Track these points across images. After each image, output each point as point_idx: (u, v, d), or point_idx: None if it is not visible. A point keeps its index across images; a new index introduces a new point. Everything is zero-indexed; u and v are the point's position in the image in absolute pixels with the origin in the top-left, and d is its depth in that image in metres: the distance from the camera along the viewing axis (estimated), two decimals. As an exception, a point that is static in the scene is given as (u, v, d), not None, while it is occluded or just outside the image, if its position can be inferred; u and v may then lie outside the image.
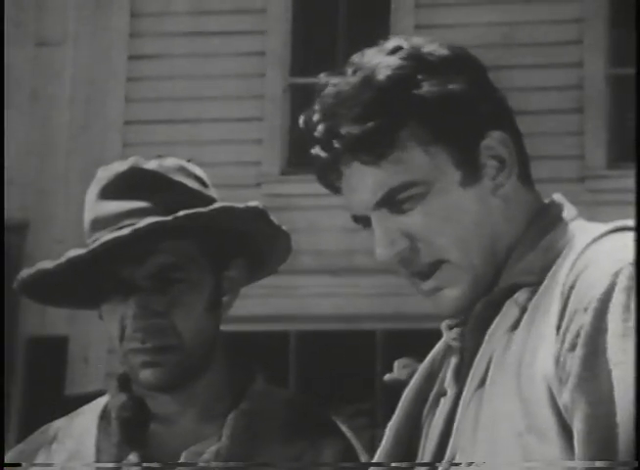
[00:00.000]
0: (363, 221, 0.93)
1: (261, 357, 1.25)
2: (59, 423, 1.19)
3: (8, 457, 1.18)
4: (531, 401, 0.83)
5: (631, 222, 0.88)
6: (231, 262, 1.15)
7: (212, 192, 1.16)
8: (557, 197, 0.96)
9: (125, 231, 1.07)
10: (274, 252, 1.17)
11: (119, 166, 1.13)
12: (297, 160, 6.03)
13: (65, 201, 5.88)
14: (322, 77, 0.93)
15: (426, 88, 0.89)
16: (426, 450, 0.93)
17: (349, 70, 0.92)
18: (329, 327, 5.92)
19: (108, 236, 1.07)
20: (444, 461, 0.88)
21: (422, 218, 0.90)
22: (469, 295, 0.91)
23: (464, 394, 0.89)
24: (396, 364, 3.78)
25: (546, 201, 0.96)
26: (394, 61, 0.91)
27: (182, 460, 1.10)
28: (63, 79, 6.11)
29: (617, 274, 0.83)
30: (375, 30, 5.97)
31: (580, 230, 0.91)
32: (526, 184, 0.94)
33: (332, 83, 0.92)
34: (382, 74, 0.90)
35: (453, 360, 0.95)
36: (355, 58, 0.93)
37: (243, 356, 1.19)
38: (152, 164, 1.13)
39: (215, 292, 1.13)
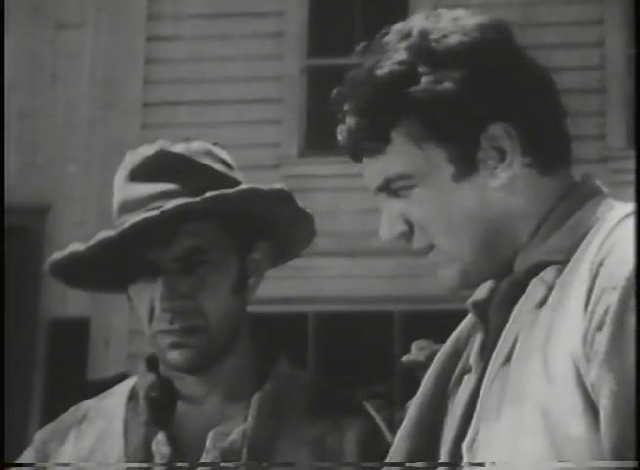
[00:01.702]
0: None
1: (280, 339, 1.26)
2: (88, 403, 1.20)
3: (40, 436, 1.19)
4: (558, 380, 0.83)
5: None
6: (256, 245, 1.16)
7: (238, 175, 1.17)
8: (585, 177, 0.96)
9: (154, 212, 1.08)
10: (298, 234, 1.18)
11: (147, 150, 1.14)
12: (315, 141, 6.02)
13: (85, 183, 5.91)
14: (357, 51, 0.95)
15: (423, 85, 0.89)
16: (449, 426, 0.94)
17: (374, 47, 0.93)
18: (347, 309, 5.93)
19: (137, 217, 1.08)
20: (467, 439, 0.89)
21: (415, 206, 0.92)
22: (461, 277, 0.93)
23: (489, 370, 0.89)
24: (414, 346, 3.79)
25: (576, 180, 0.95)
26: (398, 52, 0.91)
27: (209, 440, 1.12)
28: (82, 62, 6.12)
29: None
30: (393, 10, 5.93)
31: (608, 209, 0.91)
32: (545, 172, 0.93)
33: (358, 61, 0.93)
34: (381, 69, 0.91)
35: (478, 338, 0.96)
36: (384, 33, 0.94)
37: (266, 338, 1.20)
38: (179, 148, 1.14)
39: (241, 274, 1.14)
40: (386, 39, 0.93)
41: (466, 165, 0.91)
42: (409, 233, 0.93)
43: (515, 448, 0.84)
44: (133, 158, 1.14)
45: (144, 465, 1.11)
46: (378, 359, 5.76)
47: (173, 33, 6.22)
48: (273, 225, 1.16)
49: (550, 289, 0.88)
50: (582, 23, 5.97)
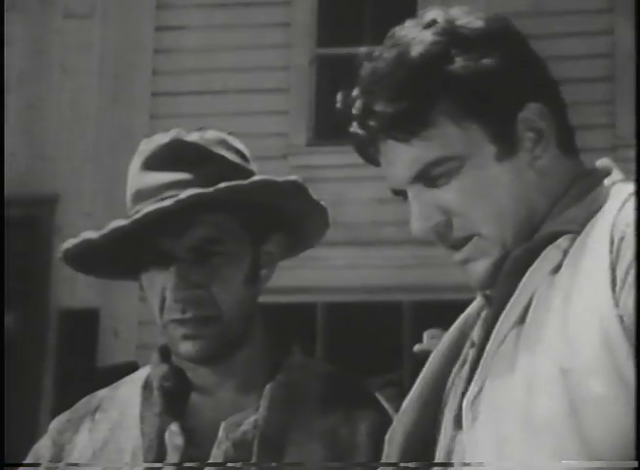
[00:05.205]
0: (402, 194, 0.95)
1: (288, 329, 1.25)
2: (102, 393, 1.20)
3: (55, 425, 1.19)
4: (580, 340, 0.83)
5: None
6: (269, 236, 1.15)
7: (252, 166, 1.17)
8: (605, 161, 0.97)
9: (168, 202, 1.07)
10: (311, 226, 1.18)
11: (162, 138, 1.14)
12: (323, 131, 6.00)
13: (94, 173, 5.92)
14: (363, 50, 0.94)
15: (458, 64, 0.90)
16: (450, 395, 0.93)
17: (388, 44, 0.93)
18: (356, 298, 5.94)
19: (150, 207, 1.08)
20: (469, 395, 0.87)
21: (457, 193, 0.91)
22: (497, 268, 0.92)
23: (497, 328, 0.89)
24: (425, 335, 3.79)
25: (595, 164, 0.96)
26: (428, 36, 0.91)
27: (222, 430, 1.11)
28: (91, 52, 6.13)
29: None
30: (401, 0, 5.91)
31: (621, 188, 0.92)
32: (569, 154, 0.95)
33: (371, 58, 0.93)
34: (414, 51, 0.91)
35: (483, 314, 0.96)
36: (396, 30, 0.94)
37: (279, 329, 1.20)
38: (193, 137, 1.14)
39: (254, 265, 1.14)
40: (403, 32, 0.93)
41: (506, 145, 0.91)
42: (444, 224, 0.92)
43: (528, 403, 0.83)
44: (147, 146, 1.14)
45: (144, 465, 1.10)
46: (386, 349, 5.76)
47: (182, 23, 6.21)
48: (287, 217, 1.16)
49: (565, 254, 0.88)
50: (592, 12, 5.93)
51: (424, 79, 0.90)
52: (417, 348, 3.85)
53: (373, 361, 5.55)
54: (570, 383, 0.82)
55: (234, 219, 1.12)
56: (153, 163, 1.12)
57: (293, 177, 1.13)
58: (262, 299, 1.19)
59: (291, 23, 6.21)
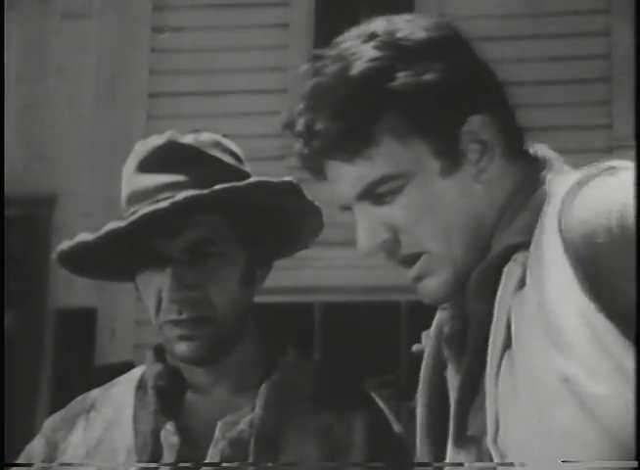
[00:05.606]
0: (349, 210, 0.94)
1: (285, 329, 1.26)
2: (96, 392, 1.21)
3: (48, 424, 1.19)
4: (572, 345, 0.82)
5: (617, 163, 0.89)
6: (265, 237, 1.16)
7: (247, 167, 1.17)
8: (544, 151, 0.94)
9: (163, 204, 1.08)
10: (306, 226, 1.18)
11: (156, 140, 1.14)
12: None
13: (91, 173, 5.92)
14: (305, 65, 0.93)
15: (400, 80, 0.88)
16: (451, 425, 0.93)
17: (331, 56, 0.91)
18: (354, 299, 5.94)
19: (146, 208, 1.09)
20: (489, 434, 0.87)
21: (402, 210, 0.90)
22: (450, 283, 0.91)
23: (489, 360, 0.88)
24: (424, 336, 3.80)
25: (530, 155, 0.94)
26: (368, 51, 0.89)
27: (218, 430, 1.12)
28: (88, 52, 6.13)
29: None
30: (398, 1, 5.92)
31: (558, 183, 0.90)
32: (518, 159, 0.93)
33: (314, 71, 0.91)
34: (355, 69, 0.89)
35: (448, 329, 0.96)
36: (338, 41, 0.92)
37: (274, 328, 1.20)
38: (188, 139, 1.14)
39: (249, 266, 1.15)
40: (346, 44, 0.91)
41: (450, 159, 0.90)
42: (392, 242, 0.91)
43: (544, 421, 0.83)
44: (142, 148, 1.14)
45: (143, 465, 1.11)
46: (384, 349, 5.77)
47: (179, 24, 6.22)
48: (282, 217, 1.16)
49: (524, 268, 0.87)
50: (589, 12, 5.94)
51: (364, 98, 0.88)
52: (415, 348, 3.85)
53: (370, 362, 5.55)
54: (574, 389, 0.82)
55: (229, 220, 1.13)
56: (148, 164, 1.12)
57: (288, 178, 1.13)
58: (260, 299, 1.19)
59: (288, 24, 6.21)
